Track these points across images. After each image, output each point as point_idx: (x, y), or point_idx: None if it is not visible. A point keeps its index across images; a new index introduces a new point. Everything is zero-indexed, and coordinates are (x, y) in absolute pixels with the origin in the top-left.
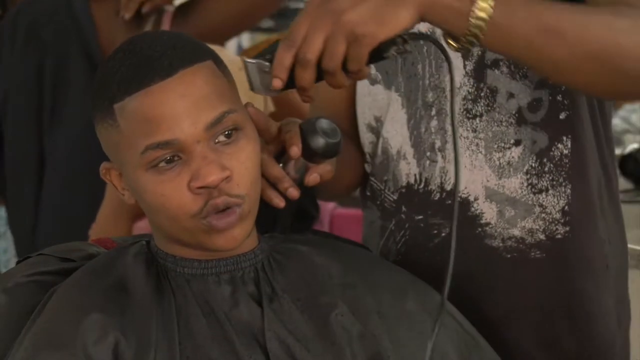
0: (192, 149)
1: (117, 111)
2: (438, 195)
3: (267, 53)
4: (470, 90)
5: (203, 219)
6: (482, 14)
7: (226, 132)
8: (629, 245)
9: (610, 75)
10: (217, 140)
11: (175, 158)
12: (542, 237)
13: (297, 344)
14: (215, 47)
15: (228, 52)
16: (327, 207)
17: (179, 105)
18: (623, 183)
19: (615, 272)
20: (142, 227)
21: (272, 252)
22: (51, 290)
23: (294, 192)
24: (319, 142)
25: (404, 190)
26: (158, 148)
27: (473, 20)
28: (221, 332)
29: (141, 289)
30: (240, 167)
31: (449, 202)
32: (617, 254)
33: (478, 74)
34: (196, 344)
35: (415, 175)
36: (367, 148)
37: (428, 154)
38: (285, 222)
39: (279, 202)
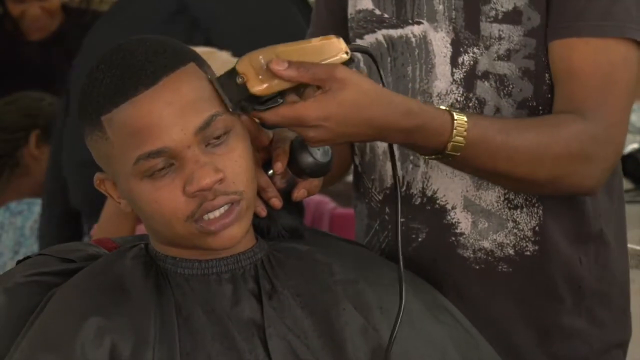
0: (183, 154)
1: (105, 123)
2: (419, 200)
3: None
4: (458, 98)
5: (196, 222)
6: (450, 155)
7: (216, 135)
8: (629, 245)
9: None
10: (207, 143)
11: (168, 165)
12: (512, 252)
13: (297, 340)
14: (207, 50)
15: (221, 53)
16: (327, 207)
17: (166, 114)
18: (623, 183)
19: (595, 294)
20: (144, 229)
21: (272, 251)
22: (50, 293)
23: (277, 202)
24: (308, 161)
25: (388, 192)
26: (149, 157)
27: (443, 155)
28: (222, 329)
29: (139, 289)
30: (234, 165)
31: (428, 208)
32: (605, 276)
33: (468, 83)
34: (196, 340)
35: (398, 177)
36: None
37: (411, 157)
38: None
39: (261, 212)
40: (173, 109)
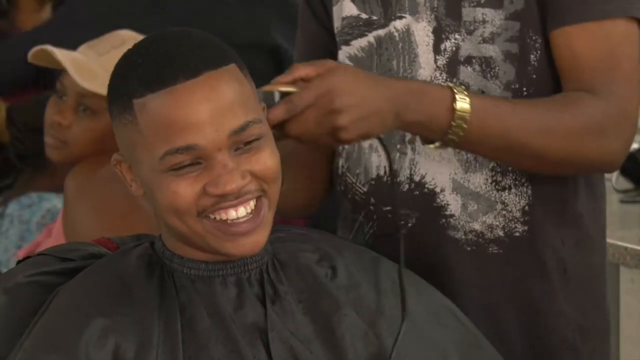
0: (213, 156)
1: (137, 107)
2: (407, 186)
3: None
4: (442, 84)
5: (207, 218)
6: (454, 137)
7: (248, 140)
8: (629, 245)
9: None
10: (237, 148)
11: (195, 163)
12: (501, 233)
13: (300, 345)
14: None
15: None
16: None
17: (202, 110)
18: (623, 183)
19: (577, 279)
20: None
21: (275, 254)
22: (54, 292)
23: None
24: None
25: (373, 182)
26: (177, 153)
27: (447, 137)
28: (225, 332)
29: (144, 289)
30: (261, 167)
31: (417, 193)
32: (585, 263)
33: (451, 69)
34: (200, 343)
35: (385, 167)
36: None
37: (398, 146)
38: None
39: None
40: (210, 107)
